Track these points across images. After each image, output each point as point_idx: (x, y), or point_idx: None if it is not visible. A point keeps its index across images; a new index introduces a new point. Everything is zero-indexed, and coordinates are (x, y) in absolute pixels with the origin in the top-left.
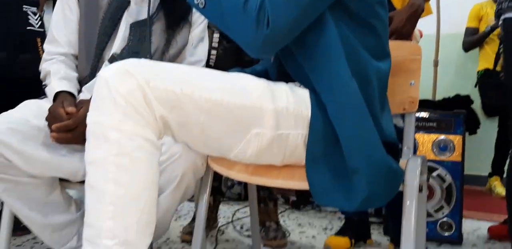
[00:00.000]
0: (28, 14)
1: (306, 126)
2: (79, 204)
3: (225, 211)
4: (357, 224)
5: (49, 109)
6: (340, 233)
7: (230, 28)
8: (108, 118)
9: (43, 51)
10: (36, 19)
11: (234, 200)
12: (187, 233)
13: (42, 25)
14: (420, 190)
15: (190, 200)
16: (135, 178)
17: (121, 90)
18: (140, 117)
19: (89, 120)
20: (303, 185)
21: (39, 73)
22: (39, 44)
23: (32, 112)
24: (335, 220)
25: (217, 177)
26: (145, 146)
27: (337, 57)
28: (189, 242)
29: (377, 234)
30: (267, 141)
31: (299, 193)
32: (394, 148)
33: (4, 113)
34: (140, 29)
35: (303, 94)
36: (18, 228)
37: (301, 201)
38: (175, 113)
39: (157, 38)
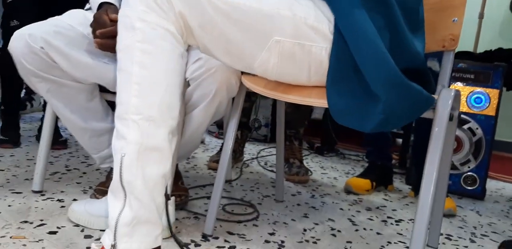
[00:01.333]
0: None
1: (329, 42)
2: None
3: (251, 149)
4: (380, 168)
5: (94, 16)
6: (362, 175)
7: None
8: (134, 10)
9: None
10: None
11: (260, 141)
12: (214, 161)
13: None
14: (451, 119)
15: (219, 137)
16: (158, 62)
17: None
18: (161, 10)
19: (120, 14)
20: (322, 103)
21: None
22: None
23: (77, 20)
24: (358, 167)
25: (246, 112)
26: (166, 36)
27: None
28: (215, 169)
29: (398, 183)
30: (288, 50)
31: (324, 139)
32: (422, 74)
33: (51, 18)
34: None
35: (327, 12)
36: (57, 142)
37: (325, 147)
38: (194, 13)
39: None
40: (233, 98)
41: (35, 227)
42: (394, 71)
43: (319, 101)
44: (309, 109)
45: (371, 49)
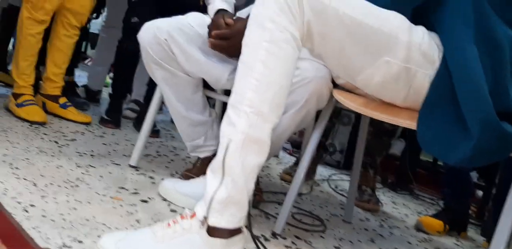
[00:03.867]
0: None
1: (434, 69)
2: (212, 112)
3: (322, 171)
4: (456, 212)
5: (212, 19)
6: (435, 215)
7: None
8: (268, 10)
9: None
10: None
11: (332, 166)
12: (287, 174)
13: None
14: None
15: (292, 154)
16: (279, 64)
17: None
18: (291, 15)
19: (253, 11)
20: (411, 124)
21: None
22: None
23: (196, 21)
24: (432, 209)
25: (325, 133)
26: (291, 41)
27: (464, 21)
28: (287, 181)
29: (473, 232)
30: (394, 72)
31: (398, 176)
32: None
33: (175, 17)
34: None
35: (437, 38)
36: (152, 131)
37: (399, 184)
38: (320, 22)
39: None
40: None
41: (130, 194)
42: (492, 114)
43: (409, 123)
44: (390, 140)
45: (474, 89)
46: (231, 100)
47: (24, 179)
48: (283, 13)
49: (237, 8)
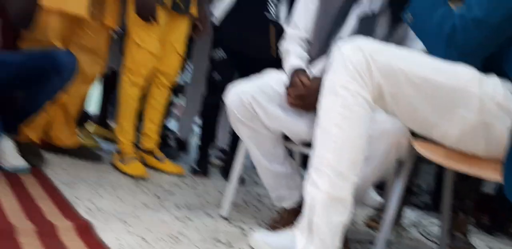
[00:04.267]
0: (269, 4)
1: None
2: (293, 163)
3: (410, 214)
4: None
5: (289, 79)
6: None
7: (427, 43)
8: (339, 78)
9: (275, 38)
10: (274, 9)
11: (419, 208)
12: (373, 220)
13: (277, 16)
14: None
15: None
16: (353, 126)
17: (352, 59)
18: (362, 81)
19: (325, 78)
20: (497, 178)
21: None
22: (272, 31)
23: (274, 80)
24: None
25: (411, 177)
26: (363, 104)
27: None
28: (372, 228)
29: None
30: (470, 125)
31: (493, 217)
32: None
33: (255, 77)
34: (367, 21)
35: (511, 86)
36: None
37: (494, 225)
38: (389, 84)
39: (381, 30)
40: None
41: (225, 246)
42: None
43: (493, 176)
44: (479, 180)
45: None
46: (313, 163)
47: (135, 234)
48: (353, 79)
49: (311, 58)
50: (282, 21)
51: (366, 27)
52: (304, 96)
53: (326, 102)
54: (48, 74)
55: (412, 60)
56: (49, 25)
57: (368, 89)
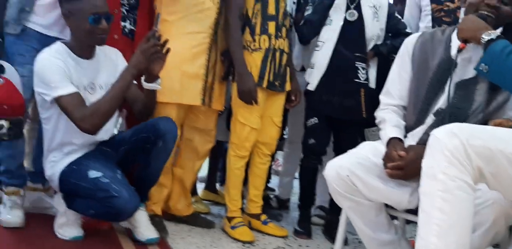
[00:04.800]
0: (358, 69)
1: None
2: (397, 228)
3: None
4: None
5: (386, 152)
6: None
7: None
8: (437, 164)
9: (364, 100)
10: (363, 73)
11: None
12: None
13: (367, 79)
14: None
15: None
16: (455, 209)
17: (448, 146)
18: (461, 166)
19: (424, 164)
20: None
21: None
22: (362, 93)
23: (370, 151)
24: None
25: None
26: (463, 187)
27: None
28: None
29: None
30: None
31: None
32: None
33: (351, 151)
34: (464, 87)
35: None
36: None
37: None
38: (489, 165)
39: (479, 97)
40: None
41: None
42: None
43: None
44: None
45: None
46: (417, 246)
47: None
48: (452, 165)
49: (407, 125)
50: (372, 84)
51: (464, 95)
52: (401, 167)
53: (426, 186)
54: (154, 141)
55: (509, 139)
56: (166, 115)
57: (468, 173)
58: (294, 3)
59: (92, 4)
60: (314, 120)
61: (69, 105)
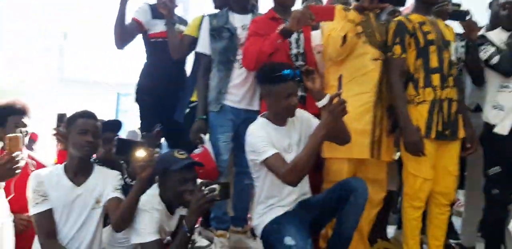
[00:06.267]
0: None
1: None
2: None
3: None
4: None
5: None
6: None
7: None
8: None
9: None
10: None
11: None
12: None
13: None
14: None
15: None
16: None
17: None
18: None
19: None
20: None
21: None
22: None
23: None
24: None
25: None
26: None
27: None
28: None
29: None
30: None
31: None
32: None
33: None
34: None
35: None
36: None
37: None
38: None
39: None
40: None
41: None
42: None
43: None
44: None
45: None
46: None
47: None
48: None
49: None
50: None
51: None
52: None
53: None
54: (346, 198)
55: None
56: (336, 170)
57: None
58: (462, 46)
59: (288, 87)
60: (497, 169)
61: (274, 165)
